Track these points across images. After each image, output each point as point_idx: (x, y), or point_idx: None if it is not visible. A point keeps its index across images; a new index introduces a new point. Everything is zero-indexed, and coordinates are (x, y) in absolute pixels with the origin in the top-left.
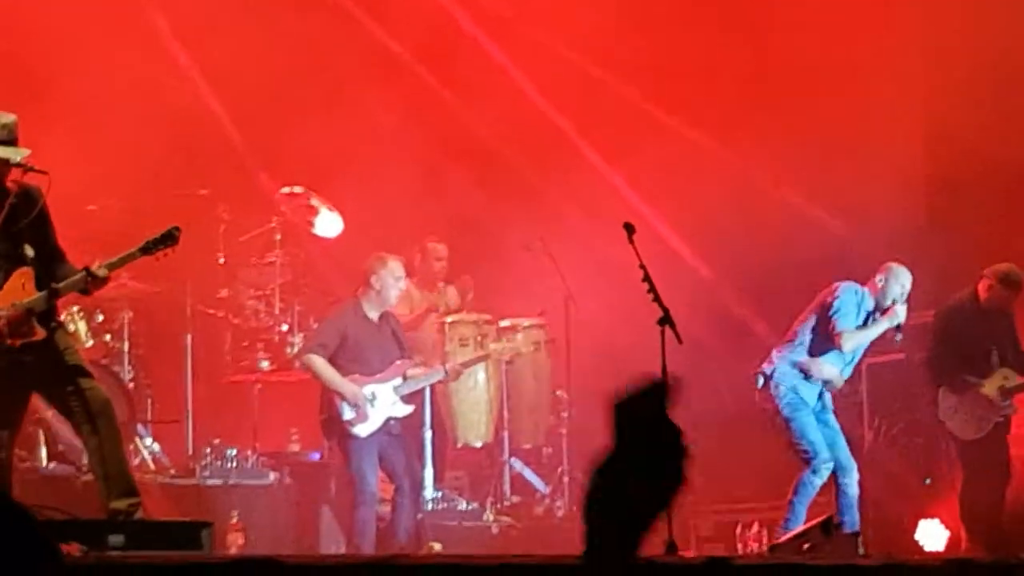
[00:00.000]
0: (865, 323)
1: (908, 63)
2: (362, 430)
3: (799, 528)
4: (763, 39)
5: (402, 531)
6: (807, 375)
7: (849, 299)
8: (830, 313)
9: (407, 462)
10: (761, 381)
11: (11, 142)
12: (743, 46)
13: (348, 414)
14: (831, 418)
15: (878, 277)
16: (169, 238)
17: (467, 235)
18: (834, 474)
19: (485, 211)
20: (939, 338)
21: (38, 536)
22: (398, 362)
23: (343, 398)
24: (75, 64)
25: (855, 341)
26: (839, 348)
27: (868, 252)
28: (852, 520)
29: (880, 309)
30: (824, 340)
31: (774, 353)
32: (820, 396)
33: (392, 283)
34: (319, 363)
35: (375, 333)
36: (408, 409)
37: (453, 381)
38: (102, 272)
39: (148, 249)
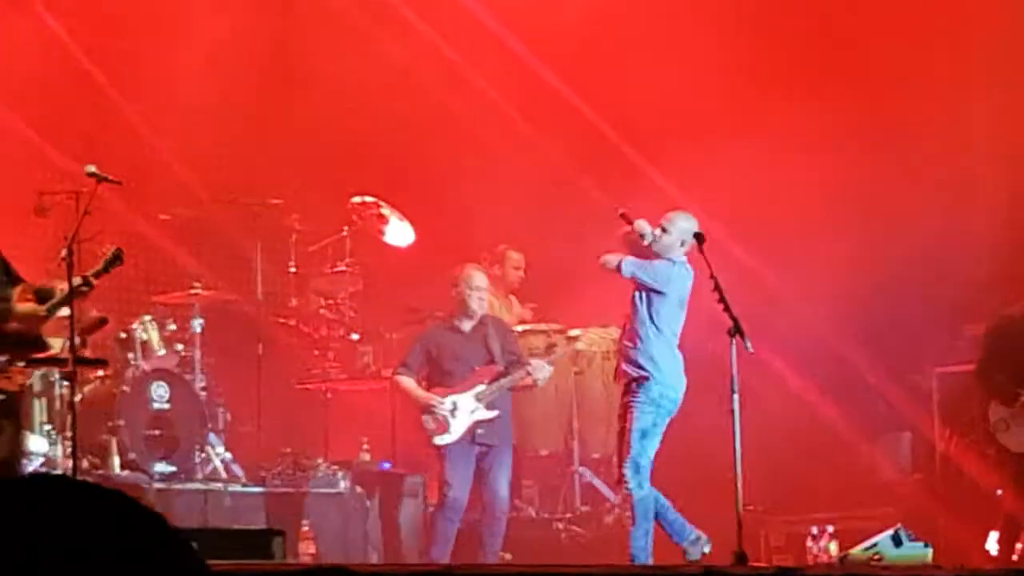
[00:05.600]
0: None
1: (991, 79)
2: (443, 440)
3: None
4: (844, 57)
5: (484, 541)
6: None
7: None
8: None
9: (497, 480)
10: None
11: None
12: (825, 64)
13: (429, 424)
14: None
15: None
16: (116, 260)
17: (538, 244)
18: None
19: (555, 220)
20: (990, 351)
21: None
22: (478, 368)
23: (425, 410)
24: (154, 73)
25: None
26: None
27: (949, 270)
28: None
29: None
30: None
31: None
32: None
33: (472, 294)
34: (403, 381)
35: (463, 344)
36: (492, 413)
37: (533, 386)
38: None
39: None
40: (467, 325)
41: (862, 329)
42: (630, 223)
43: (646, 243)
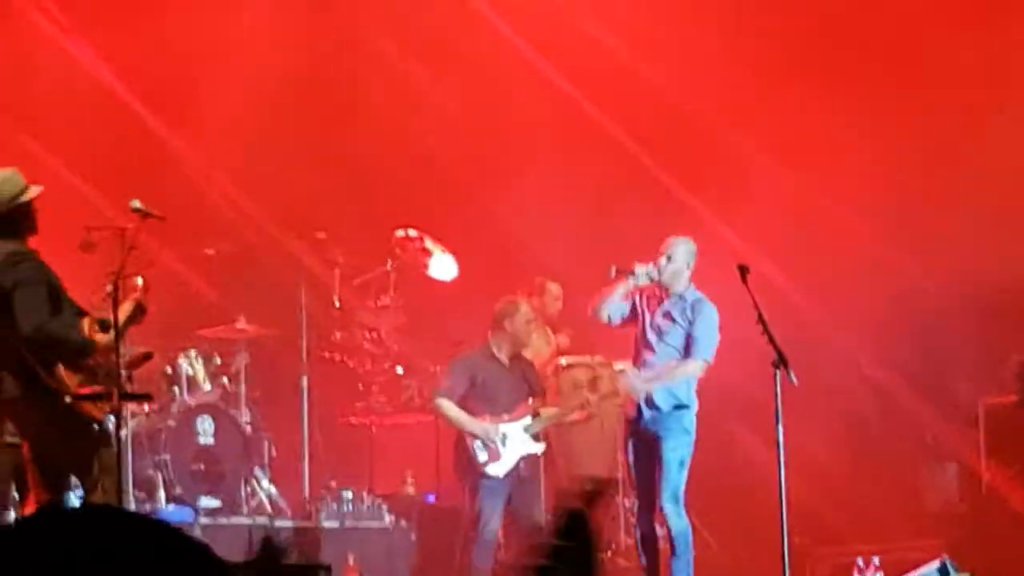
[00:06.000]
0: None
1: None
2: (495, 469)
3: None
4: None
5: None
6: None
7: None
8: None
9: (533, 509)
10: None
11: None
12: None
13: (482, 455)
14: None
15: None
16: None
17: (578, 274)
18: None
19: (595, 252)
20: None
21: None
22: (528, 401)
23: (475, 438)
24: (199, 109)
25: None
26: None
27: (996, 300)
28: None
29: None
30: None
31: None
32: None
33: (524, 326)
34: (447, 406)
35: (506, 375)
36: (540, 447)
37: (587, 419)
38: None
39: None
40: (505, 356)
41: (908, 358)
42: (629, 272)
43: (653, 281)
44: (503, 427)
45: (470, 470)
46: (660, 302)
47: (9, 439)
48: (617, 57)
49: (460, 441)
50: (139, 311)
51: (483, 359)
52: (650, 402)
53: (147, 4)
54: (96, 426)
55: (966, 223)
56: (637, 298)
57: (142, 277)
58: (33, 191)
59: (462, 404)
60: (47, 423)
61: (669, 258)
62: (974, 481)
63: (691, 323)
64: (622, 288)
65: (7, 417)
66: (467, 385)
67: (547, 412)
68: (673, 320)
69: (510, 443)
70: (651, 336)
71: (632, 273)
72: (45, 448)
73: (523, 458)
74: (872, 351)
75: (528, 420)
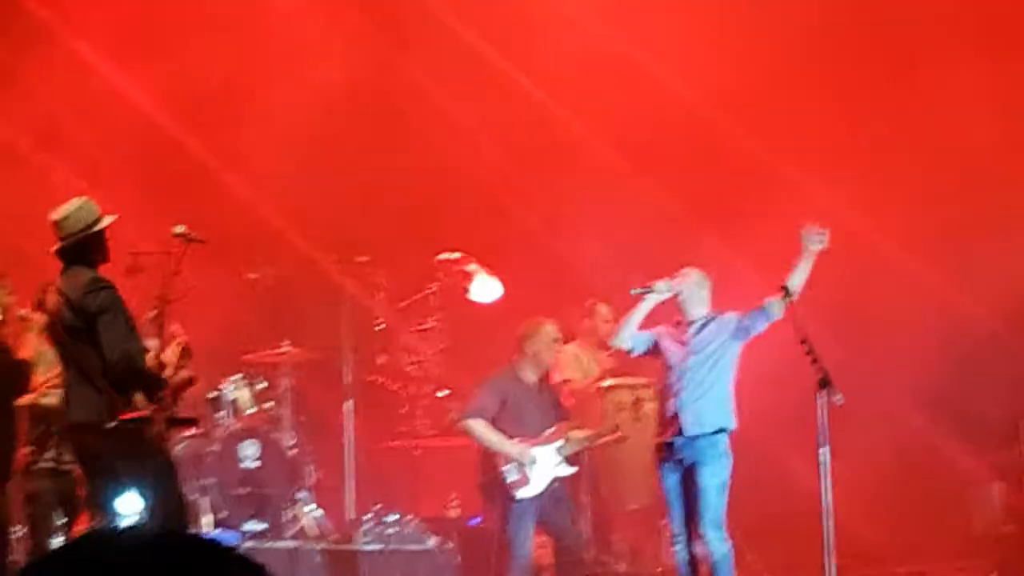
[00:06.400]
0: None
1: None
2: (524, 492)
3: None
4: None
5: None
6: None
7: None
8: None
9: (568, 519)
10: None
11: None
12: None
13: (513, 476)
14: None
15: None
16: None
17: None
18: None
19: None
20: None
21: None
22: (558, 424)
23: (508, 459)
24: (242, 132)
25: None
26: None
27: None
28: None
29: None
30: None
31: None
32: None
33: (546, 347)
34: (480, 427)
35: (535, 396)
36: (572, 470)
37: (620, 442)
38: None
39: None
40: (533, 378)
41: (953, 378)
42: (648, 290)
43: (673, 294)
44: (535, 450)
45: (499, 493)
46: (683, 344)
47: (62, 466)
48: (658, 79)
49: (487, 463)
50: (186, 355)
51: (511, 381)
52: (689, 427)
53: (188, 30)
54: (162, 455)
55: (1007, 243)
56: (660, 338)
57: (184, 343)
58: (106, 220)
59: (494, 425)
60: (117, 450)
61: (679, 293)
62: (1019, 502)
63: (722, 320)
64: (644, 308)
65: (73, 441)
66: (498, 407)
67: (577, 436)
68: (698, 334)
69: (541, 466)
70: (678, 367)
71: (652, 290)
72: (110, 474)
73: (554, 481)
74: (917, 368)
75: (560, 443)
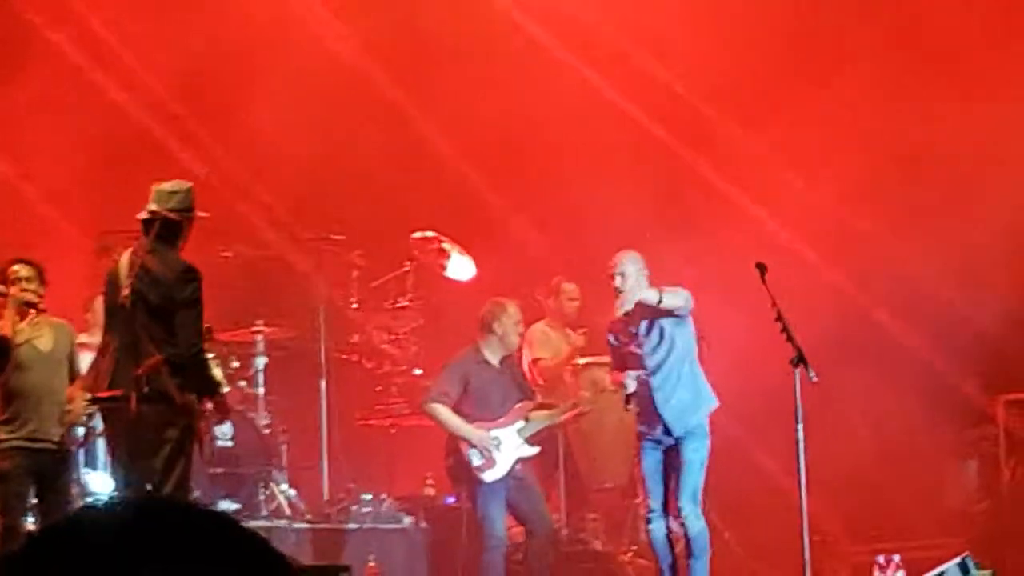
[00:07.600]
0: None
1: None
2: (490, 475)
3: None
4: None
5: (537, 574)
6: None
7: None
8: None
9: (535, 505)
10: None
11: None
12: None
13: (476, 460)
14: None
15: None
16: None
17: (594, 275)
18: None
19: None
20: None
21: None
22: (518, 405)
23: (471, 444)
24: (216, 110)
25: None
26: None
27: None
28: None
29: None
30: None
31: None
32: None
33: (513, 328)
34: (442, 411)
35: (497, 378)
36: (534, 450)
37: (579, 418)
38: None
39: None
40: (497, 359)
41: (926, 356)
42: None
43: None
44: (497, 432)
45: (466, 476)
46: (638, 349)
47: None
48: (649, 67)
49: (452, 446)
50: None
51: (474, 364)
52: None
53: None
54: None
55: (994, 217)
56: (614, 339)
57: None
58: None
59: (457, 409)
60: (154, 430)
61: (622, 275)
62: (995, 479)
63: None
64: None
65: (105, 410)
66: (460, 390)
67: (539, 415)
68: (647, 335)
69: (504, 448)
70: (643, 372)
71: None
72: (135, 446)
73: (517, 462)
74: (891, 350)
75: (521, 424)
